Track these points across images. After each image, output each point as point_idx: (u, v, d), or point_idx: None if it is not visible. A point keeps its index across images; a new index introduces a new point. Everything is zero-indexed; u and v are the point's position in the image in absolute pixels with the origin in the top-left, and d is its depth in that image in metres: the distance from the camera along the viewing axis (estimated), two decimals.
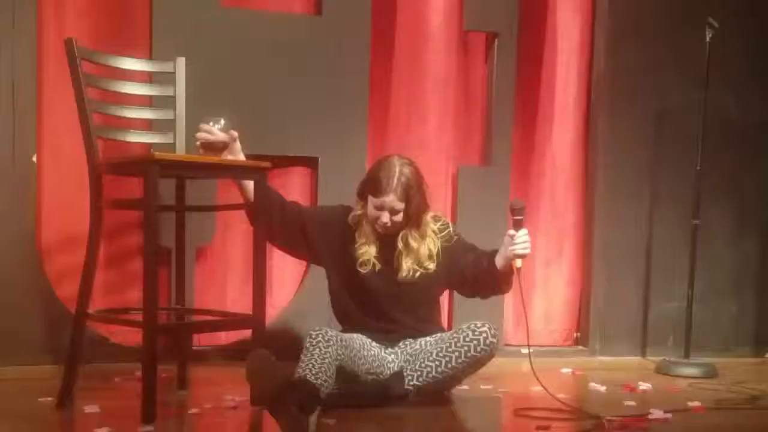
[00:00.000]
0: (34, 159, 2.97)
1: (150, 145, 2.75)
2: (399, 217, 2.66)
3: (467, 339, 2.57)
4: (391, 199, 2.62)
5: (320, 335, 2.48)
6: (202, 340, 3.22)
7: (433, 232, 2.75)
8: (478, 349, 2.56)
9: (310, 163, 3.35)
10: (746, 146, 3.86)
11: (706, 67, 3.39)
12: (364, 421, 2.38)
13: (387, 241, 2.71)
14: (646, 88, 3.71)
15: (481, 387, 2.90)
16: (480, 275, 2.70)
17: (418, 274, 2.70)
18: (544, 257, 3.74)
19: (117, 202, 2.66)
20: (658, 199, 3.75)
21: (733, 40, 3.70)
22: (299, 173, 3.38)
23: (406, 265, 2.69)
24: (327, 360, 2.42)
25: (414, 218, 2.68)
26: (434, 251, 2.73)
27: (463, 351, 2.56)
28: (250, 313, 2.50)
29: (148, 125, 2.88)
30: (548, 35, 3.74)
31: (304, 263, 3.37)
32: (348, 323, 2.76)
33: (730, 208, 3.85)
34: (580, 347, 3.72)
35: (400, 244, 2.70)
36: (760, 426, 2.58)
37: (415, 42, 3.55)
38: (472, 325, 2.59)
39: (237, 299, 3.29)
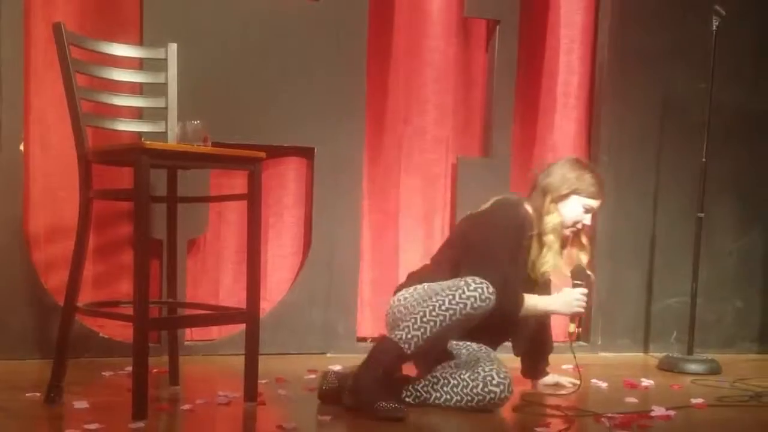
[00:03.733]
0: (21, 148, 2.96)
1: (140, 133, 2.74)
2: None
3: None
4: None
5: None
6: (194, 335, 3.22)
7: None
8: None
9: (306, 153, 3.34)
10: (753, 137, 3.85)
11: (712, 56, 3.37)
12: (363, 418, 2.36)
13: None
14: (650, 77, 3.70)
15: None
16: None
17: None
18: None
19: (107, 193, 2.64)
20: (662, 191, 3.74)
21: (740, 29, 3.69)
22: (295, 164, 3.37)
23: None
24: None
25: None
26: None
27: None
28: (244, 307, 2.49)
29: (139, 113, 2.86)
30: (550, 22, 3.72)
31: (301, 255, 3.36)
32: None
33: (736, 200, 3.84)
34: (582, 343, 3.72)
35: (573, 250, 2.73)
36: (763, 423, 2.58)
37: (414, 29, 3.54)
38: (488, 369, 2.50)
39: (230, 292, 3.29)
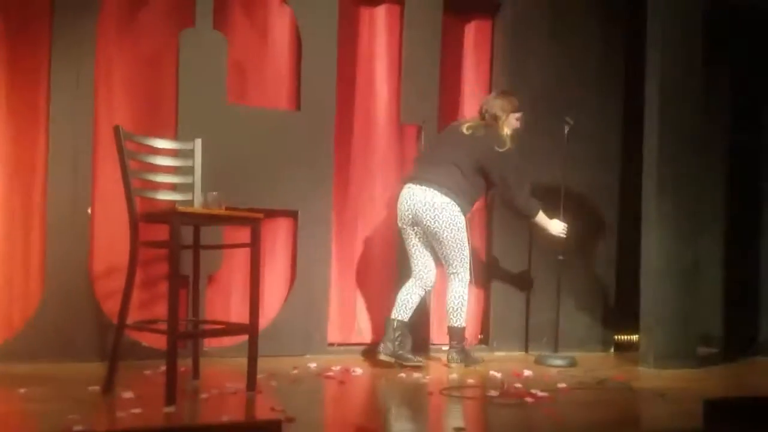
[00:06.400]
0: (89, 211, 2.94)
1: (175, 201, 2.74)
2: None
3: None
4: None
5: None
6: (211, 343, 3.15)
7: None
8: None
9: (292, 214, 3.35)
10: (593, 218, 3.76)
11: (565, 157, 3.34)
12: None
13: None
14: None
15: (414, 375, 2.90)
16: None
17: None
18: None
19: (150, 243, 2.63)
20: (535, 243, 3.61)
21: (582, 131, 3.59)
22: (284, 222, 3.37)
23: None
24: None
25: None
26: None
27: None
28: (247, 322, 2.48)
29: (173, 187, 2.86)
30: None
31: (288, 286, 3.32)
32: None
33: (590, 244, 3.77)
34: (484, 345, 3.71)
35: None
36: (606, 400, 2.62)
37: (367, 131, 3.60)
38: None
39: (239, 312, 3.23)
